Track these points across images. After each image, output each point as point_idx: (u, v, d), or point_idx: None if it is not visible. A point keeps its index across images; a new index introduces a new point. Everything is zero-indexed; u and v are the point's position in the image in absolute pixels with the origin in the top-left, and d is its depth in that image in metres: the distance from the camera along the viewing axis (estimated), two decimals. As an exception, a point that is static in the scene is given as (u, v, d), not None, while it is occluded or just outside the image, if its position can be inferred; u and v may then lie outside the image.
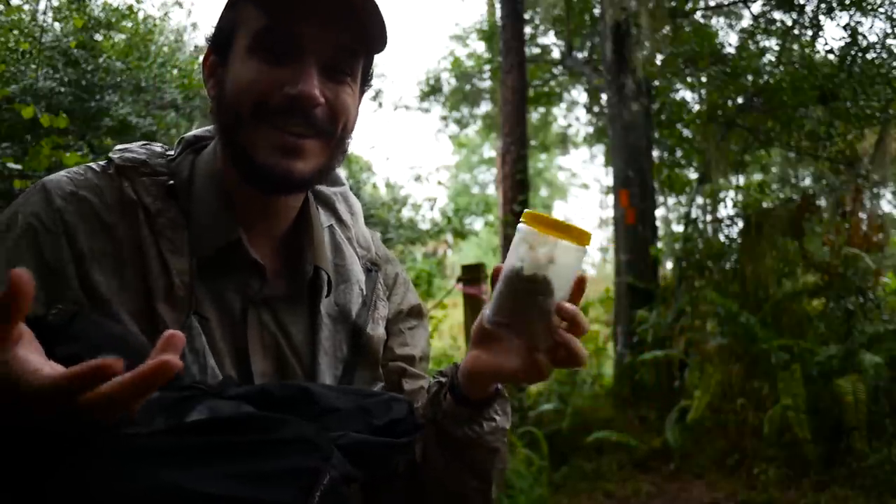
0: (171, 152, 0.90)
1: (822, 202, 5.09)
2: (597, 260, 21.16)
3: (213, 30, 0.87)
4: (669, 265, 6.34)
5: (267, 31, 0.79)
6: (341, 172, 1.04)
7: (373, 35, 0.82)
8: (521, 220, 0.74)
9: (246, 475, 0.58)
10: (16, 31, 4.11)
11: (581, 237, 0.72)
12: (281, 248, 0.89)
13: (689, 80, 6.36)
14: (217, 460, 0.58)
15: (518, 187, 6.62)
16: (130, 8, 4.88)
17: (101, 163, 0.86)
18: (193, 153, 0.91)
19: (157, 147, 0.91)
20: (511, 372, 0.77)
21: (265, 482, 0.58)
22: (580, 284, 0.75)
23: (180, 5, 6.50)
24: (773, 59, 5.71)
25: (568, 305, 0.73)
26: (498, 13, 7.76)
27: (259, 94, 0.79)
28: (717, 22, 7.25)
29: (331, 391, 0.72)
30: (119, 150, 0.88)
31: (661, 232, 6.54)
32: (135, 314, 0.76)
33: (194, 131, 0.95)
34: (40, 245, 0.77)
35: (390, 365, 0.93)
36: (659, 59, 6.18)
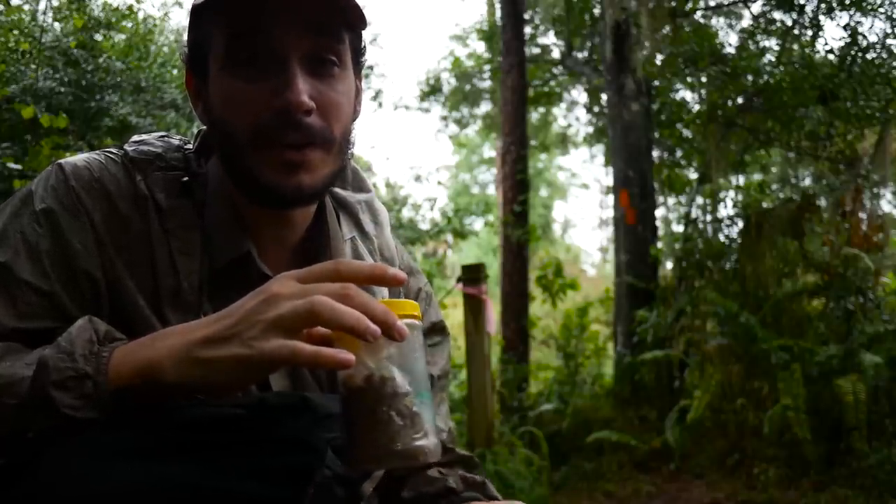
0: (190, 145, 0.86)
1: (822, 202, 5.07)
2: (597, 260, 21.19)
3: (186, 50, 0.81)
4: (669, 265, 6.33)
5: (234, 41, 0.74)
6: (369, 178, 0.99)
7: (350, 11, 0.77)
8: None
9: (242, 471, 0.58)
10: (16, 31, 4.11)
11: None
12: (295, 259, 0.84)
13: (689, 80, 6.34)
14: (214, 456, 0.58)
15: (518, 187, 6.63)
16: (130, 8, 4.88)
17: (117, 151, 0.82)
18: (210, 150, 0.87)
19: (175, 140, 0.86)
20: None
21: (260, 478, 0.59)
22: None
23: (180, 5, 6.49)
24: (773, 59, 5.70)
25: None
26: (498, 13, 7.76)
27: (250, 116, 0.75)
28: (717, 22, 7.24)
29: (329, 400, 0.71)
30: (135, 141, 0.84)
31: (661, 232, 6.53)
32: None
33: None
34: (59, 224, 0.73)
35: None
36: (659, 59, 6.17)
